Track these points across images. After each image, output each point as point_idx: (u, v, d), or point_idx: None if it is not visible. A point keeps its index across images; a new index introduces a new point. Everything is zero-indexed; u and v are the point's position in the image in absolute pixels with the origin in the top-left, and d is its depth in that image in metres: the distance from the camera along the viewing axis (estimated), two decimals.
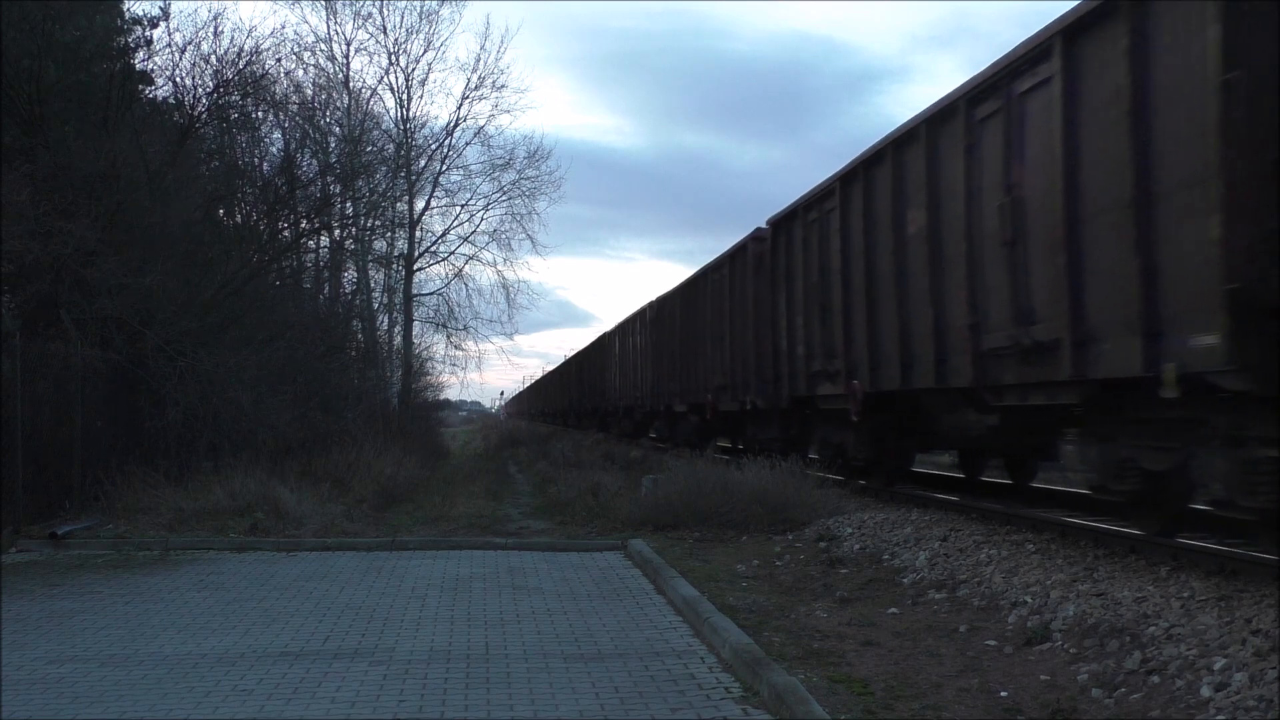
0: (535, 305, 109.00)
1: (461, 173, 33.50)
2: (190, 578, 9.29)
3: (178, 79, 17.09)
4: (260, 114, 20.49)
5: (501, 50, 46.31)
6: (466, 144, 34.03)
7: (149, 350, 14.04)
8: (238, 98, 17.62)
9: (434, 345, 38.63)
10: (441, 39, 59.84)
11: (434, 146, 32.42)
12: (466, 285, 33.74)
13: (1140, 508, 7.73)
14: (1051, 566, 7.60)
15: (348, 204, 24.88)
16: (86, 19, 16.30)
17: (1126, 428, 7.44)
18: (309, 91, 26.75)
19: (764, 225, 15.87)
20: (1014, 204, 8.25)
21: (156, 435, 14.02)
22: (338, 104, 29.18)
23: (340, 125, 28.13)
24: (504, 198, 33.38)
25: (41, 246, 12.71)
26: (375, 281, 31.18)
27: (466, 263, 33.26)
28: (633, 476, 16.29)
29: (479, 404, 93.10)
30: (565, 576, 9.20)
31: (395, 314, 32.29)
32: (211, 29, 28.12)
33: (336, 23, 36.86)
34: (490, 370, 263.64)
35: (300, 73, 27.11)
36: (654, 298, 25.31)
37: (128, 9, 18.09)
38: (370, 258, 29.29)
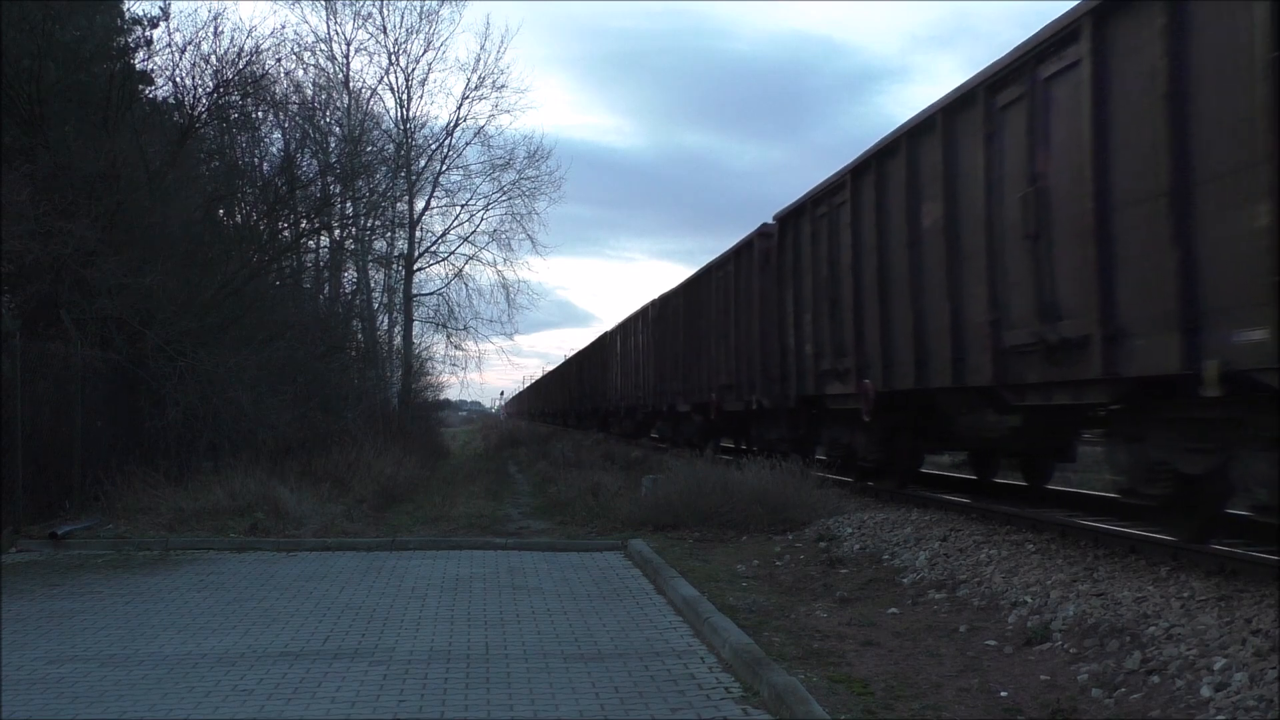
0: (535, 305, 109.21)
1: (461, 173, 33.57)
2: (190, 578, 9.28)
3: (178, 79, 17.12)
4: (260, 114, 20.51)
5: (501, 50, 46.49)
6: (466, 144, 34.17)
7: (149, 350, 14.04)
8: (238, 98, 17.63)
9: (434, 345, 38.77)
10: (441, 39, 60.18)
11: (434, 146, 32.48)
12: (466, 285, 33.80)
13: (1172, 512, 7.36)
14: (1051, 566, 7.60)
15: (348, 204, 24.90)
16: (86, 19, 16.29)
17: (1159, 428, 7.10)
18: (309, 91, 26.78)
19: (770, 221, 15.57)
20: (1038, 194, 7.90)
21: (156, 435, 14.02)
22: (338, 104, 29.21)
23: (340, 125, 28.15)
24: (504, 198, 33.43)
25: (41, 246, 12.71)
26: (375, 281, 31.22)
27: (466, 263, 33.31)
28: (633, 476, 16.28)
29: (479, 404, 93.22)
30: (565, 576, 9.20)
31: (395, 314, 32.32)
32: (211, 29, 28.25)
33: (336, 23, 36.97)
34: (490, 370, 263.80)
35: (300, 73, 27.15)
36: (656, 296, 25.12)
37: (128, 9, 18.11)
38: (370, 258, 29.31)
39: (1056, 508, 10.19)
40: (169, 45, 18.60)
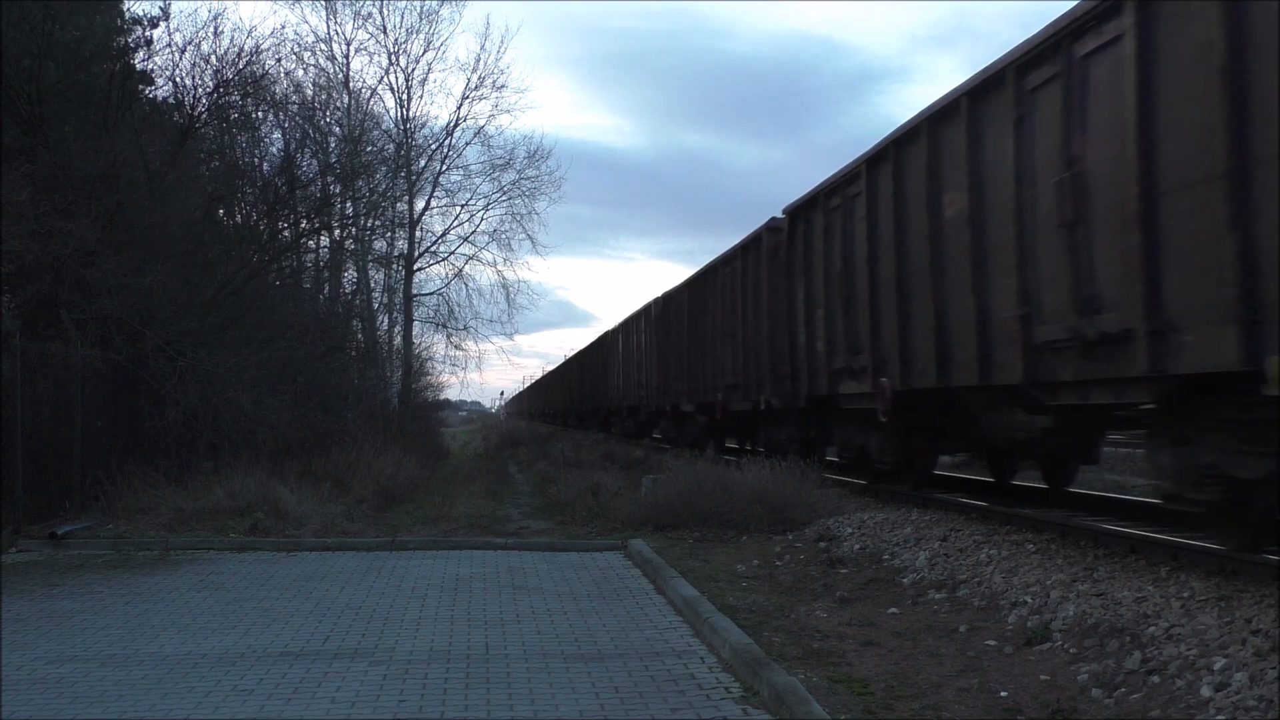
0: (535, 305, 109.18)
1: (461, 173, 33.59)
2: (190, 578, 9.28)
3: (178, 79, 17.13)
4: (260, 114, 20.52)
5: (501, 50, 46.55)
6: (466, 144, 34.14)
7: (149, 350, 14.05)
8: (238, 98, 17.64)
9: (434, 345, 38.76)
10: (441, 39, 60.14)
11: (434, 146, 32.50)
12: (466, 285, 33.81)
13: (1221, 520, 6.91)
14: (1051, 566, 7.60)
15: (348, 204, 24.91)
16: (86, 19, 16.29)
17: (1209, 430, 6.63)
18: (309, 91, 26.80)
19: (779, 215, 15.11)
20: (1075, 180, 7.41)
21: (156, 435, 14.02)
22: (338, 104, 29.23)
23: (340, 125, 28.17)
24: (504, 198, 33.44)
25: (41, 246, 12.71)
26: (375, 281, 31.24)
27: (466, 263, 33.33)
28: (633, 476, 16.27)
29: (479, 404, 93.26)
30: (565, 576, 9.20)
31: (395, 314, 32.33)
32: (211, 29, 28.29)
33: (336, 23, 36.97)
34: (490, 370, 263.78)
35: (300, 73, 27.16)
36: (659, 294, 24.78)
37: (128, 9, 18.13)
38: (370, 258, 29.32)
39: (1056, 508, 10.17)
40: (169, 45, 18.63)
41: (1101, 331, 7.16)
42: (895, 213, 10.72)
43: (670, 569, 8.83)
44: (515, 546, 11.08)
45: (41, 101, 14.16)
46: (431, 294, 33.38)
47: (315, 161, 22.67)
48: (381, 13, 31.76)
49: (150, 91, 17.65)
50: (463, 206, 33.29)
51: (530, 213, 33.54)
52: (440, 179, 32.80)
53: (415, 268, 32.27)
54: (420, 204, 32.41)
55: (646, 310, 26.14)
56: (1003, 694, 5.25)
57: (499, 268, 34.76)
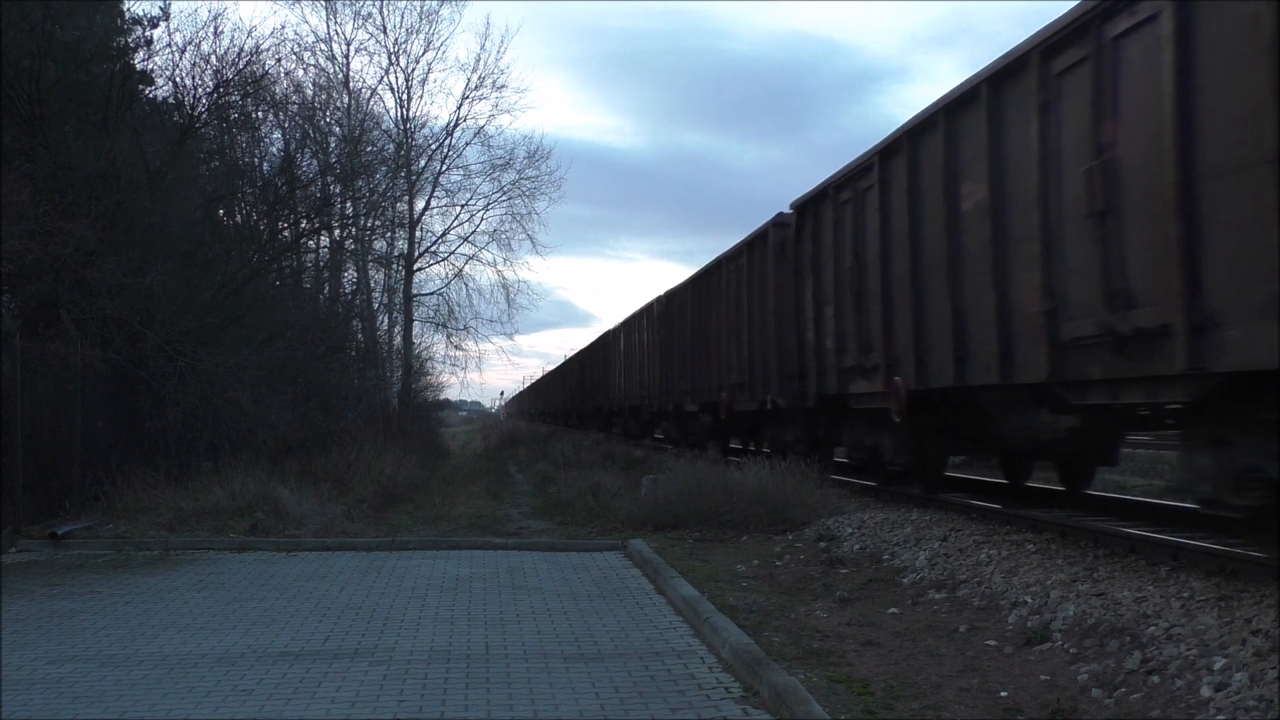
0: (535, 305, 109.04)
1: (461, 173, 33.59)
2: (190, 578, 9.28)
3: (178, 79, 17.13)
4: (260, 114, 20.54)
5: (501, 50, 46.58)
6: (466, 144, 34.11)
7: (149, 350, 14.05)
8: (238, 98, 17.65)
9: (434, 345, 38.74)
10: (441, 39, 60.08)
11: (434, 146, 32.52)
12: (466, 285, 33.83)
13: (1264, 525, 6.57)
14: (1051, 566, 7.60)
15: (348, 204, 24.93)
16: (86, 19, 16.30)
17: (1253, 431, 6.31)
18: (309, 91, 26.82)
19: (786, 210, 14.77)
20: (1106, 167, 7.05)
21: (156, 435, 14.02)
22: (338, 104, 29.25)
23: (340, 125, 28.19)
24: (504, 198, 33.46)
25: (41, 246, 12.72)
26: (375, 281, 31.25)
27: (466, 263, 33.36)
28: (633, 476, 16.27)
29: (479, 404, 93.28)
30: (565, 576, 9.20)
31: (395, 314, 32.35)
32: (211, 29, 28.28)
33: (336, 23, 36.95)
34: (490, 370, 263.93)
35: (300, 73, 27.17)
36: (662, 292, 24.38)
37: (128, 9, 18.13)
38: (370, 258, 29.34)
39: (1056, 508, 10.17)
40: (169, 45, 18.64)
41: (1135, 327, 6.81)
42: (910, 205, 10.36)
43: (670, 569, 8.83)
44: (515, 546, 11.08)
45: (41, 101, 14.17)
46: (431, 294, 33.45)
47: (315, 161, 22.70)
48: (381, 13, 31.80)
49: (150, 91, 17.66)
50: (463, 206, 33.35)
51: (530, 213, 33.59)
52: (440, 179, 32.86)
53: (415, 268, 32.30)
54: (420, 204, 32.47)
55: (649, 308, 25.76)
56: (1003, 694, 5.25)
57: (499, 268, 34.80)
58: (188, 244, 16.31)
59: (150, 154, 15.75)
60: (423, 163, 32.29)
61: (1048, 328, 7.88)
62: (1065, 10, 7.65)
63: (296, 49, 27.59)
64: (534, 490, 17.73)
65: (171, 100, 17.57)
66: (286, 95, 22.16)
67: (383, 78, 36.12)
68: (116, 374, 13.86)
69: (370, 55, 43.98)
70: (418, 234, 32.20)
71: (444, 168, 32.81)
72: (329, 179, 22.15)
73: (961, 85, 9.30)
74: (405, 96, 31.79)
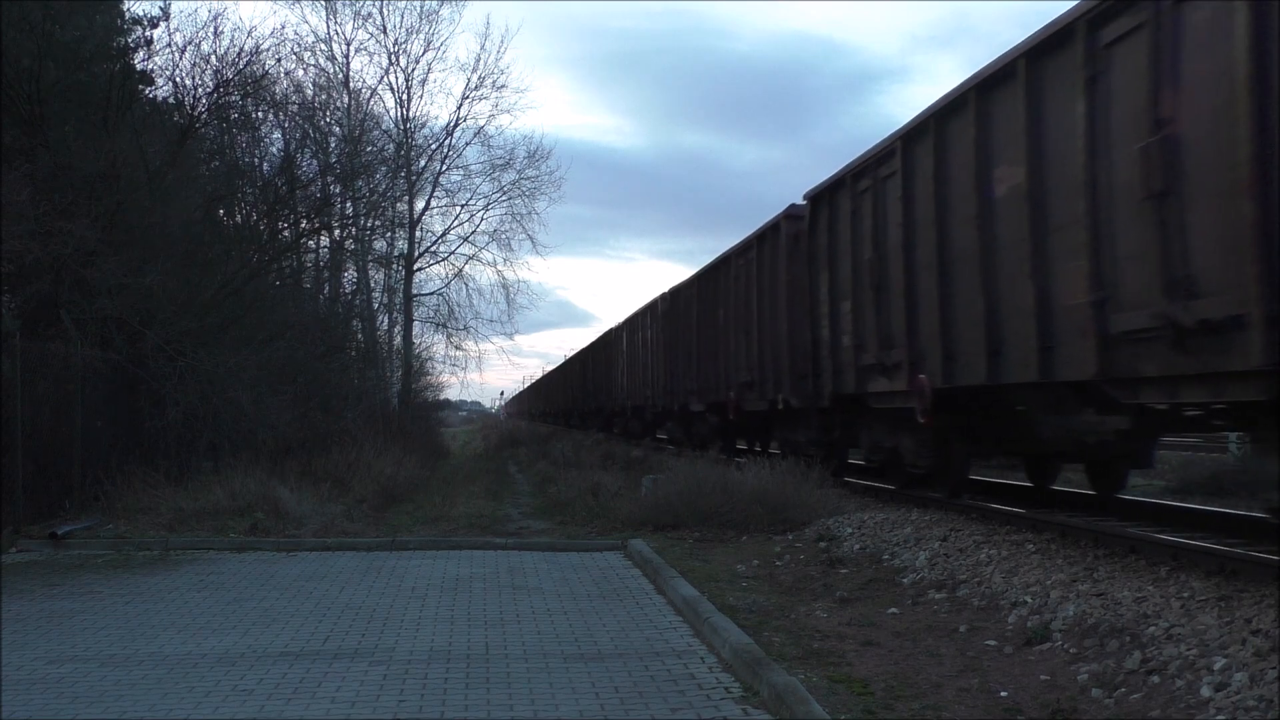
0: (535, 305, 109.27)
1: (461, 173, 33.57)
2: (190, 578, 9.28)
3: (178, 79, 17.15)
4: (260, 114, 20.54)
5: (501, 50, 46.55)
6: (466, 144, 34.11)
7: (149, 350, 14.05)
8: (238, 98, 17.65)
9: (434, 345, 38.81)
10: (441, 39, 60.16)
11: (434, 146, 32.50)
12: (466, 285, 33.81)
13: None
14: (1051, 566, 7.60)
15: (348, 204, 24.93)
16: (86, 19, 16.30)
17: None
18: (309, 91, 26.82)
19: (799, 201, 14.16)
20: (1165, 144, 6.47)
21: (156, 435, 14.03)
22: (338, 104, 29.25)
23: (340, 125, 28.19)
24: (504, 198, 33.44)
25: (41, 246, 12.72)
26: (375, 281, 31.25)
27: (466, 263, 33.33)
28: (633, 476, 16.26)
29: (479, 404, 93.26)
30: (565, 576, 9.20)
31: (395, 314, 32.34)
32: (211, 29, 28.31)
33: (336, 23, 36.98)
34: (490, 370, 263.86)
35: (300, 73, 27.18)
36: (666, 289, 23.92)
37: (128, 9, 18.13)
38: (370, 258, 29.34)
39: (1056, 508, 10.16)
40: (169, 45, 18.65)
41: (1200, 319, 6.23)
42: (936, 193, 9.78)
43: (670, 569, 8.83)
44: (515, 546, 11.08)
45: (41, 101, 14.17)
46: (431, 294, 33.43)
47: (315, 161, 22.69)
48: (381, 13, 31.78)
49: (150, 91, 17.66)
50: (463, 206, 33.34)
51: (530, 213, 33.57)
52: (440, 179, 32.85)
53: (415, 268, 32.29)
54: (420, 204, 32.46)
55: (653, 306, 25.28)
56: (1003, 694, 5.25)
57: (499, 268, 34.81)
58: (188, 244, 16.31)
59: (150, 154, 15.76)
60: (423, 163, 32.32)
61: (1095, 320, 7.29)
62: None
63: (296, 49, 27.62)
64: (534, 490, 17.73)
65: (171, 100, 17.59)
66: (286, 95, 22.19)
67: (383, 78, 36.15)
68: (116, 374, 13.86)
69: (370, 55, 44.05)
70: (418, 234, 32.22)
71: (444, 168, 32.84)
72: (329, 179, 22.17)
73: (995, 62, 8.67)
74: (405, 96, 31.81)
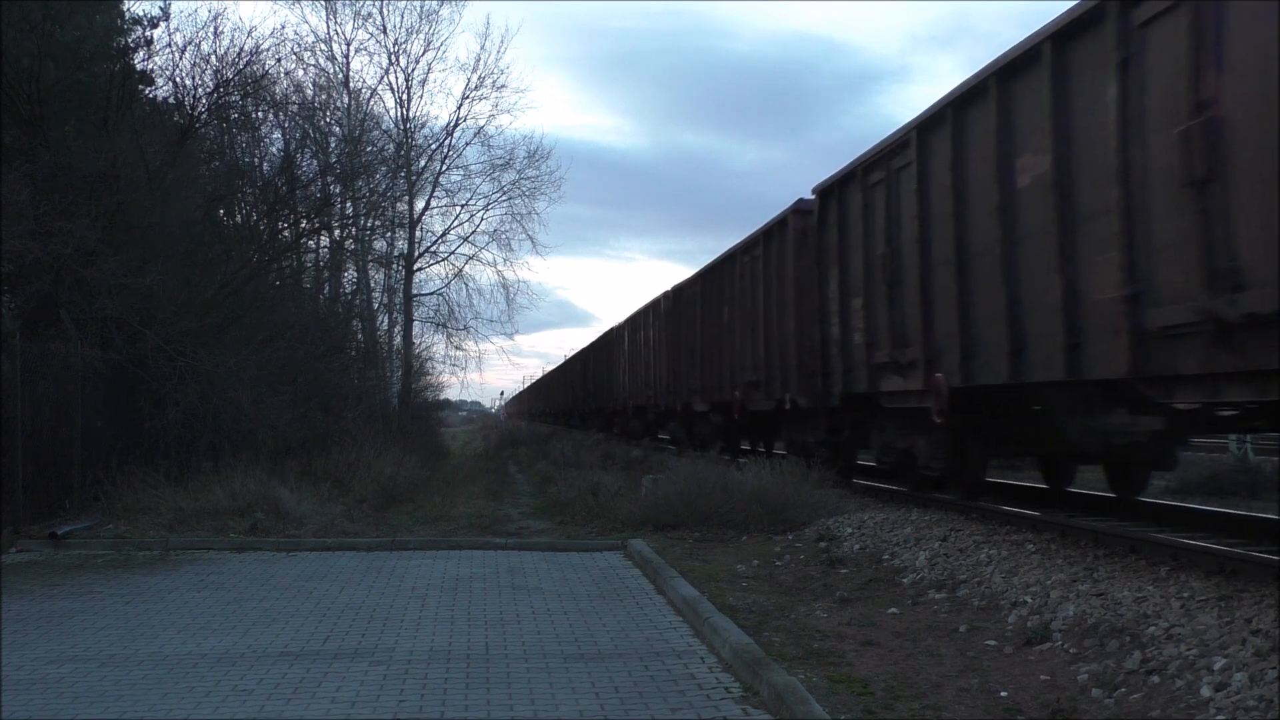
0: (535, 305, 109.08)
1: (461, 173, 33.56)
2: (190, 578, 9.28)
3: (178, 79, 17.14)
4: (260, 114, 20.54)
5: (501, 50, 46.56)
6: (466, 144, 34.06)
7: (149, 350, 14.05)
8: (238, 98, 17.64)
9: (434, 345, 38.71)
10: (441, 39, 60.06)
11: (434, 146, 32.51)
12: (466, 285, 33.81)
13: None
14: (1051, 566, 7.60)
15: (348, 204, 24.93)
16: (86, 19, 16.30)
17: None
18: (309, 91, 26.82)
19: (807, 196, 13.81)
20: (1207, 128, 6.13)
21: (156, 435, 14.03)
22: (338, 104, 29.25)
23: (340, 125, 28.19)
24: (504, 198, 33.45)
25: (41, 246, 12.72)
26: (375, 281, 31.26)
27: (466, 263, 33.34)
28: (633, 476, 16.26)
29: (479, 404, 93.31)
30: (565, 576, 9.20)
31: (395, 314, 32.35)
32: (211, 29, 28.32)
33: (336, 23, 36.91)
34: (490, 370, 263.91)
35: (300, 73, 27.17)
36: (669, 287, 23.55)
37: (128, 9, 18.14)
38: (370, 258, 29.34)
39: (1056, 508, 10.16)
40: (169, 45, 18.63)
41: (1246, 313, 5.90)
42: (954, 184, 9.43)
43: (670, 569, 8.83)
44: (515, 546, 11.08)
45: (41, 101, 14.17)
46: (431, 294, 33.43)
47: (315, 161, 22.69)
48: (381, 13, 31.78)
49: (150, 91, 17.66)
50: (463, 206, 33.34)
51: (530, 213, 33.57)
52: (440, 179, 32.86)
53: (415, 268, 32.30)
54: (420, 204, 32.47)
55: (655, 304, 24.93)
56: (1003, 694, 5.25)
57: (499, 268, 34.79)
58: (188, 244, 16.32)
59: (150, 154, 15.76)
60: (423, 163, 32.32)
61: (1128, 316, 6.93)
62: None
63: (296, 49, 27.61)
64: (534, 490, 17.73)
65: (171, 100, 17.59)
66: (286, 95, 22.18)
67: (383, 78, 36.13)
68: (116, 374, 13.86)
69: (370, 55, 43.95)
70: (418, 234, 32.23)
71: (444, 168, 32.84)
72: (329, 179, 22.16)
73: (1017, 47, 8.32)
74: (405, 96, 31.82)
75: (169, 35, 23.57)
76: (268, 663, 6.18)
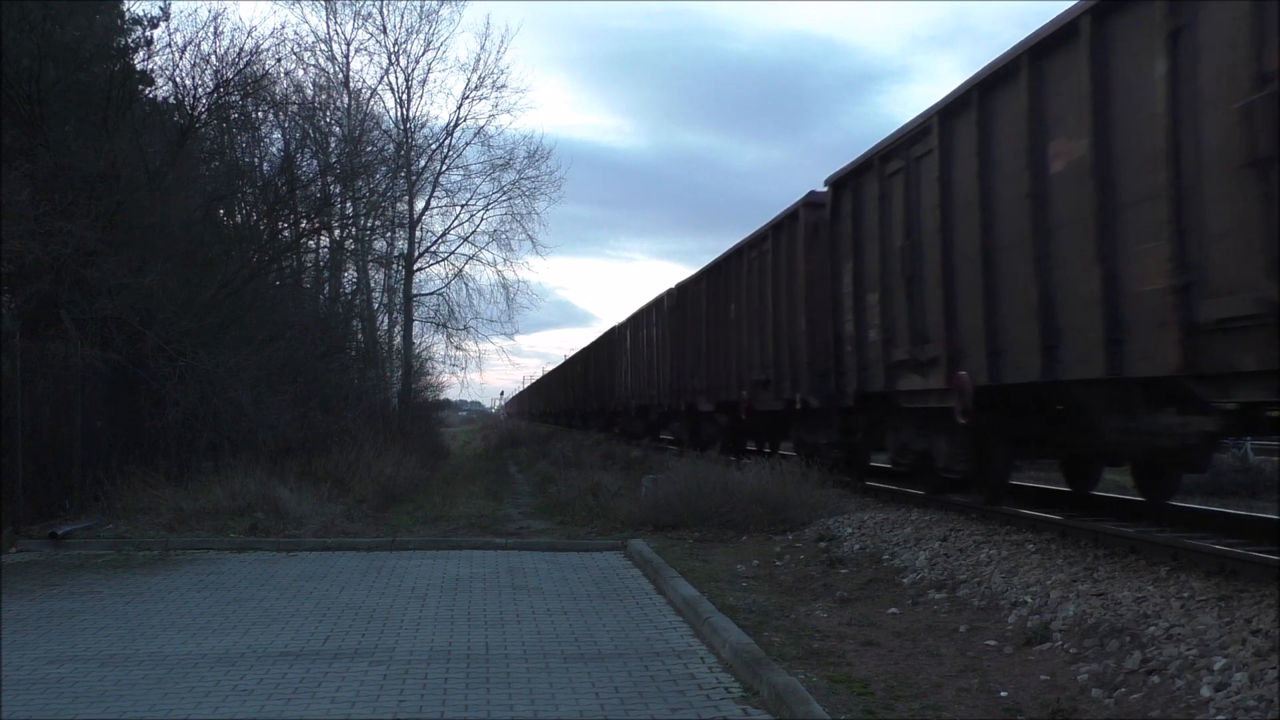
0: (535, 305, 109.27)
1: (461, 173, 33.57)
2: (190, 578, 9.28)
3: (178, 79, 17.15)
4: (260, 114, 20.55)
5: (501, 50, 46.60)
6: (466, 144, 34.10)
7: (149, 350, 14.05)
8: (238, 98, 17.65)
9: (434, 345, 38.81)
10: (441, 39, 60.27)
11: (434, 146, 32.52)
12: (466, 285, 33.83)
13: None
14: (1051, 566, 7.60)
15: (348, 204, 24.94)
16: (86, 19, 16.31)
17: None
18: (309, 91, 26.83)
19: (818, 189, 13.39)
20: (1273, 101, 5.68)
21: (156, 435, 14.03)
22: (338, 104, 29.25)
23: (340, 125, 28.19)
24: (504, 198, 33.46)
25: (41, 246, 12.72)
26: (375, 281, 31.26)
27: (466, 263, 33.36)
28: (633, 476, 16.26)
29: (479, 404, 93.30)
30: (565, 576, 9.20)
31: (395, 314, 32.36)
32: (211, 29, 28.40)
33: (336, 23, 36.99)
34: (490, 370, 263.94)
35: (300, 73, 27.20)
36: (673, 284, 23.15)
37: (128, 9, 18.15)
38: (370, 258, 29.35)
39: (1057, 508, 10.16)
40: (169, 45, 18.66)
41: None
42: (980, 171, 8.95)
43: (670, 569, 8.83)
44: (515, 546, 11.08)
45: (41, 101, 14.17)
46: (431, 294, 33.45)
47: (315, 161, 22.70)
48: (381, 13, 31.79)
49: (150, 91, 17.67)
50: (463, 206, 33.35)
51: (530, 213, 33.59)
52: (440, 179, 32.87)
53: (415, 268, 32.31)
54: (420, 204, 32.47)
55: (659, 302, 24.43)
56: (1003, 694, 5.25)
57: (499, 268, 34.82)
58: (188, 244, 16.32)
59: (150, 154, 15.76)
60: (423, 163, 32.33)
61: (1178, 308, 6.47)
62: None
63: (296, 49, 27.64)
64: (534, 490, 17.73)
65: (171, 100, 17.60)
66: (286, 95, 22.19)
67: (383, 78, 36.15)
68: (116, 374, 13.87)
69: (370, 55, 44.02)
70: (418, 234, 32.24)
71: (444, 168, 32.85)
72: (329, 179, 22.18)
73: (1051, 24, 7.85)
74: (405, 96, 31.83)
75: (169, 35, 23.65)
76: (268, 663, 6.18)
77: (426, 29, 34.95)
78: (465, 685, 5.67)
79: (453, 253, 33.24)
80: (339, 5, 32.01)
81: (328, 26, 39.36)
